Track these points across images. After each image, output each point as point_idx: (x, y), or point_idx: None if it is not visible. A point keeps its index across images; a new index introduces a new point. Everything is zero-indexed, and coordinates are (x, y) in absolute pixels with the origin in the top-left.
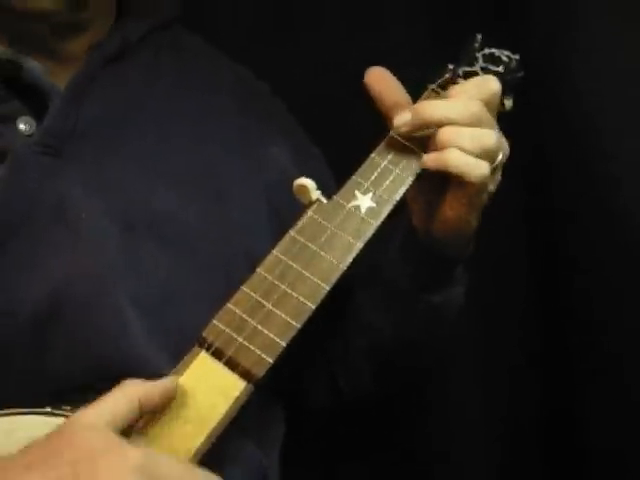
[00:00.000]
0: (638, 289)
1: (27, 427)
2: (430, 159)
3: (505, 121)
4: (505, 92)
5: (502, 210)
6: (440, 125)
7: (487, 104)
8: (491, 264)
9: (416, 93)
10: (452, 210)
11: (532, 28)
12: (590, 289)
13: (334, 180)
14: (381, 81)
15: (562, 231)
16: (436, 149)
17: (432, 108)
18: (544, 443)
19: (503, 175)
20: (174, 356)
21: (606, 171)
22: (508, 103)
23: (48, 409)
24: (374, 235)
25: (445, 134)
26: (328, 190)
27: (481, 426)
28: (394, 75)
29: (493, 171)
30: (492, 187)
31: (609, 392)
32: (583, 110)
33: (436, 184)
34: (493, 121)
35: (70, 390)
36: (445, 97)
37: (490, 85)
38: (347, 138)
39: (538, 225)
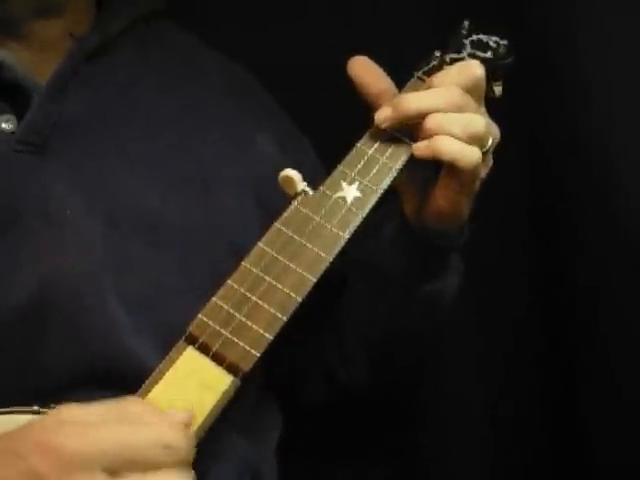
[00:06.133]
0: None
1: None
2: (420, 148)
3: (507, 119)
4: (495, 78)
5: (503, 205)
6: (422, 116)
7: (471, 90)
8: (491, 259)
9: (403, 81)
10: (444, 198)
11: (533, 19)
12: (592, 286)
13: (324, 169)
14: (364, 71)
15: (564, 227)
16: (425, 137)
17: (412, 100)
18: (544, 441)
19: (505, 172)
20: (162, 351)
21: (609, 168)
22: (498, 89)
23: (35, 407)
24: (362, 225)
25: (433, 121)
26: (317, 178)
27: (478, 423)
28: (382, 62)
29: (483, 156)
30: (483, 173)
31: (610, 389)
32: (589, 107)
33: (428, 172)
34: (478, 106)
35: (62, 387)
36: (429, 85)
37: (472, 70)
38: (337, 127)
39: (539, 220)
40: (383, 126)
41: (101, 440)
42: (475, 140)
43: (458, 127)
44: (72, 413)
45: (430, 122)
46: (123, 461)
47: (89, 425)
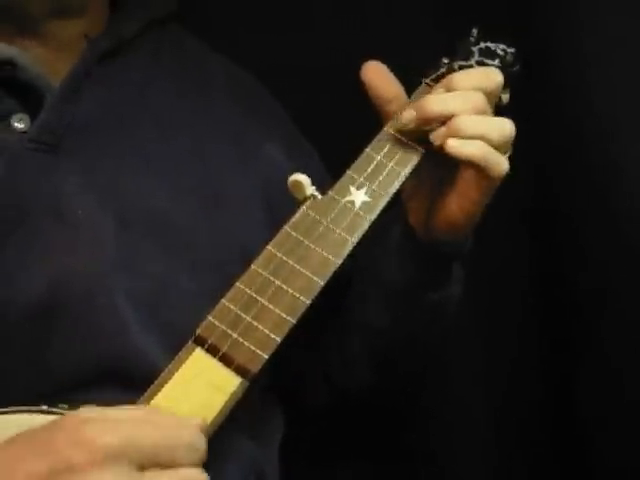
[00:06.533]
0: None
1: (22, 425)
2: (455, 145)
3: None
4: (502, 86)
5: (505, 209)
6: (445, 119)
7: (488, 96)
8: (494, 264)
9: (410, 86)
10: (458, 207)
11: (537, 23)
12: (594, 290)
13: (330, 175)
14: (377, 76)
15: (566, 231)
16: (451, 136)
17: (436, 103)
18: (547, 445)
19: (508, 176)
20: (170, 351)
21: (612, 172)
22: (505, 97)
23: (44, 407)
24: (369, 230)
25: (470, 123)
26: (322, 185)
27: (482, 426)
28: (390, 67)
29: None
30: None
31: (612, 394)
32: (592, 111)
33: (436, 180)
34: (492, 113)
35: (70, 387)
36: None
37: (493, 76)
38: (344, 133)
39: (542, 224)
40: (409, 127)
41: (133, 436)
42: (506, 146)
43: (496, 132)
44: (102, 412)
45: (466, 122)
46: (151, 457)
47: (120, 422)
